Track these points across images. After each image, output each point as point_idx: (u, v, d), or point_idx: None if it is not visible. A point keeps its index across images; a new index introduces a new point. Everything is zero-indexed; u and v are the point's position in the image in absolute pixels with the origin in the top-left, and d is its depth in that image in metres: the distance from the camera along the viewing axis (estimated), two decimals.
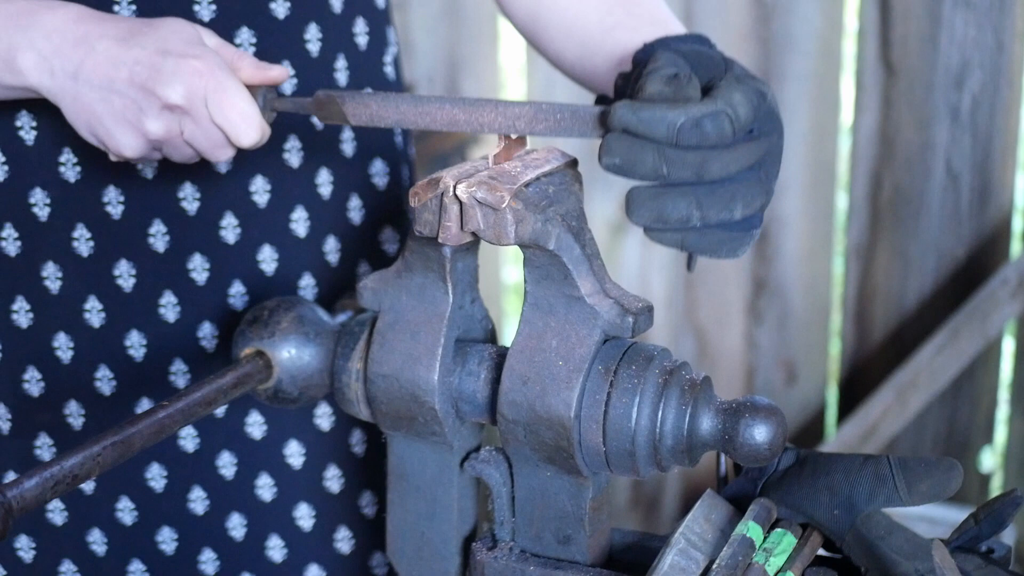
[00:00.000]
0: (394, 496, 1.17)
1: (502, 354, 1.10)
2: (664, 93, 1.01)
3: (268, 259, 1.34)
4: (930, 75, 2.52)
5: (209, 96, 1.10)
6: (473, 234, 1.05)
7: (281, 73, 1.16)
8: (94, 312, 1.31)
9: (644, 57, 1.13)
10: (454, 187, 1.04)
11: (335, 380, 1.15)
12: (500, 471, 1.11)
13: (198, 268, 1.32)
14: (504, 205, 1.02)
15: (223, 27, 1.27)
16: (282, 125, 1.30)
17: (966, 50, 2.49)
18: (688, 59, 1.09)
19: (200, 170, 1.29)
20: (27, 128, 1.27)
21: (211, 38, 1.16)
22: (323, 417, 1.40)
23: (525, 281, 1.07)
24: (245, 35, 1.28)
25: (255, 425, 1.37)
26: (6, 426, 1.35)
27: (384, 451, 1.43)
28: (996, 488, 2.71)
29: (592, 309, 1.05)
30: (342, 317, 1.21)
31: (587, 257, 1.05)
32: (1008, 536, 2.51)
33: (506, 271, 3.16)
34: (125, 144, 1.13)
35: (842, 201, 2.74)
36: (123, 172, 1.28)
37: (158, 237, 1.30)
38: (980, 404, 2.66)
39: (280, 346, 1.15)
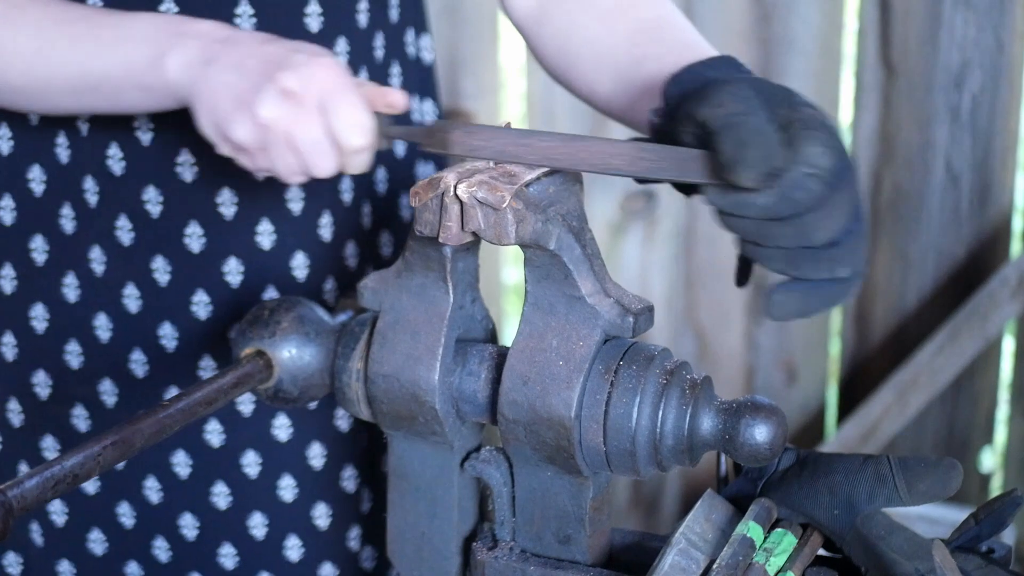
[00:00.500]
0: (394, 496, 1.17)
1: (502, 354, 1.10)
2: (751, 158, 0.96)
3: (301, 266, 1.35)
4: (930, 75, 2.52)
5: (326, 93, 1.10)
6: (474, 234, 1.05)
7: (401, 97, 1.14)
8: (132, 299, 1.34)
9: (676, 91, 1.10)
10: (455, 187, 1.04)
11: (335, 380, 1.15)
12: (500, 471, 1.11)
13: (232, 271, 1.33)
14: (505, 205, 1.03)
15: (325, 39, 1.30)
16: None
17: (966, 50, 2.49)
18: (755, 91, 1.02)
19: (237, 175, 1.31)
20: (82, 120, 1.31)
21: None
22: (343, 418, 1.40)
23: (525, 281, 1.07)
24: (342, 45, 1.31)
25: (282, 428, 1.38)
26: (45, 392, 1.38)
27: (377, 443, 1.44)
28: (996, 488, 2.71)
29: (593, 309, 1.05)
30: (342, 317, 1.21)
31: (587, 257, 1.05)
32: (1008, 536, 2.51)
33: (506, 271, 3.16)
34: (236, 127, 1.12)
35: None
36: (163, 173, 1.30)
37: (194, 238, 1.32)
38: (980, 404, 2.66)
39: (280, 346, 1.15)
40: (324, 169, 1.12)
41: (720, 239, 2.74)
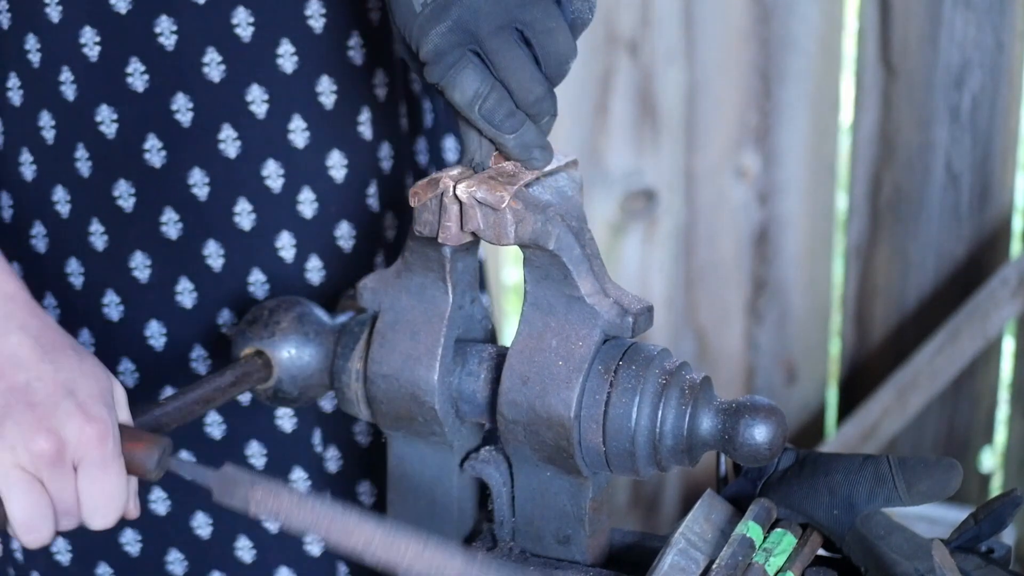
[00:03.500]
0: (394, 496, 1.17)
1: (502, 354, 1.10)
2: None
3: (287, 245, 1.32)
4: (930, 75, 2.52)
5: (84, 465, 1.00)
6: (473, 234, 1.05)
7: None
8: (112, 306, 1.31)
9: None
10: (454, 187, 1.04)
11: (335, 380, 1.15)
12: (500, 471, 1.11)
13: (213, 255, 1.31)
14: (504, 205, 1.03)
15: (191, 50, 1.26)
16: (288, 105, 1.29)
17: (966, 50, 2.49)
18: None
19: (209, 156, 1.28)
20: (48, 128, 1.28)
21: (119, 393, 1.05)
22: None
23: (525, 281, 1.07)
24: (211, 55, 1.26)
25: (285, 417, 1.36)
26: None
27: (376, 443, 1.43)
28: (996, 488, 2.71)
29: (592, 309, 1.05)
30: (343, 318, 1.20)
31: (587, 257, 1.05)
32: (1008, 536, 2.51)
33: (506, 271, 3.16)
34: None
35: (842, 201, 2.73)
36: (132, 165, 1.28)
37: (170, 225, 1.29)
38: (980, 404, 2.66)
39: (280, 346, 1.15)
40: (64, 525, 1.02)
41: (720, 239, 2.74)
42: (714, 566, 1.02)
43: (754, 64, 2.62)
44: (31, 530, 1.00)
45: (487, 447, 1.13)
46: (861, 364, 2.73)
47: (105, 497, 1.01)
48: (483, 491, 1.17)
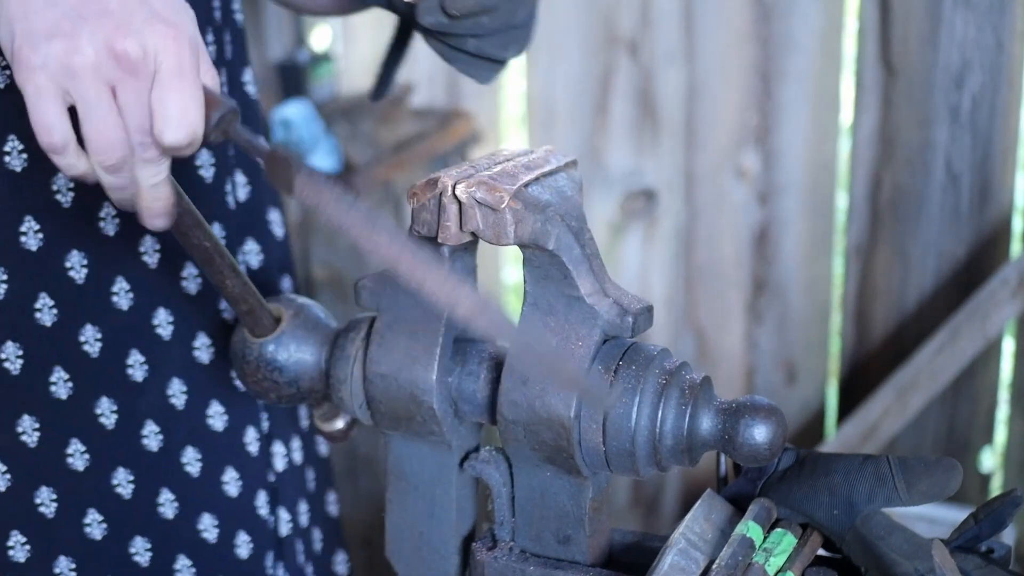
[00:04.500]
0: (393, 496, 1.17)
1: (502, 354, 1.10)
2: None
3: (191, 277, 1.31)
4: (930, 75, 2.52)
5: (161, 72, 0.97)
6: (472, 234, 1.05)
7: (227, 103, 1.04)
8: (12, 359, 1.22)
9: None
10: (453, 187, 1.04)
11: (332, 379, 1.15)
12: (500, 471, 1.11)
13: (121, 292, 1.26)
14: (503, 205, 1.02)
15: None
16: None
17: (966, 50, 2.49)
18: None
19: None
20: None
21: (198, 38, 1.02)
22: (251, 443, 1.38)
23: (525, 281, 1.07)
24: None
25: (216, 416, 1.34)
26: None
27: None
28: (996, 488, 2.71)
29: (592, 309, 1.05)
30: None
31: (587, 257, 1.05)
32: (1008, 536, 2.51)
33: (506, 271, 3.16)
34: (46, 57, 0.94)
35: (842, 201, 2.74)
36: (41, 205, 1.19)
37: (77, 269, 1.23)
38: (980, 404, 2.66)
39: (280, 344, 1.15)
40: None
41: (720, 239, 2.74)
42: (714, 566, 1.02)
43: (754, 64, 2.62)
44: (107, 148, 0.97)
45: (487, 447, 1.13)
46: (861, 364, 2.73)
47: (179, 109, 0.97)
48: (483, 491, 1.17)
